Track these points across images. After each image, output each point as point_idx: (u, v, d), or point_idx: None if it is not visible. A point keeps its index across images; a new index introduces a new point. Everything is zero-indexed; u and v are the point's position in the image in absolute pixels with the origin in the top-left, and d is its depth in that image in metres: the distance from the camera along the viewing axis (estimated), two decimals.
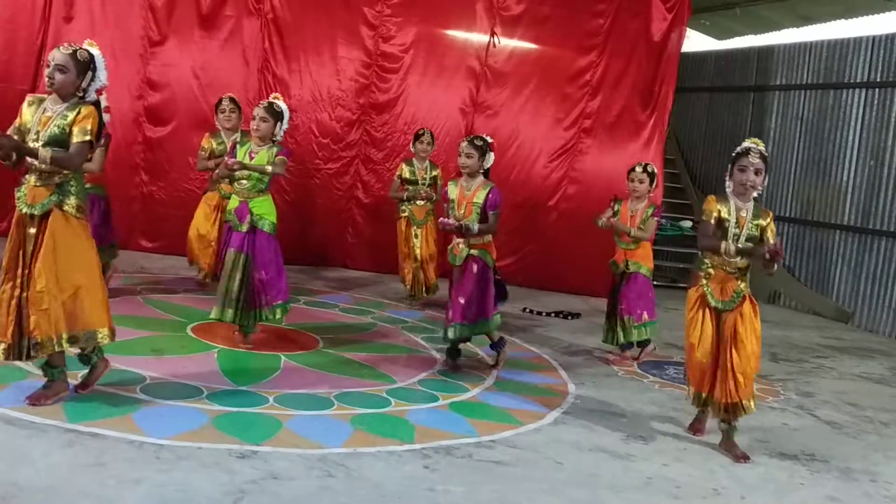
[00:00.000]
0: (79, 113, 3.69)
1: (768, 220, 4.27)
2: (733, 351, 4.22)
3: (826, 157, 9.77)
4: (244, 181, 5.12)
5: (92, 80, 3.82)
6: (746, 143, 4.30)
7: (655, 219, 5.93)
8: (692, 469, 4.06)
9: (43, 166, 3.65)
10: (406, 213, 7.12)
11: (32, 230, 3.72)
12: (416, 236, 7.07)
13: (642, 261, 5.98)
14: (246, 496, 3.17)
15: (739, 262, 4.23)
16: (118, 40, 8.08)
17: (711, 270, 4.29)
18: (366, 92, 8.65)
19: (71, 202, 3.74)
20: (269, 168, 5.08)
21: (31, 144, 3.66)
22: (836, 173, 9.63)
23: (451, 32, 8.82)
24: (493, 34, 8.81)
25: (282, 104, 5.22)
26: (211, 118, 8.34)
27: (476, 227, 5.08)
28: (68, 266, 3.72)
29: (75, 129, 3.68)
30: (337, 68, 8.55)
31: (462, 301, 5.13)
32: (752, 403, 4.30)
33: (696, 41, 11.83)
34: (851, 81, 9.49)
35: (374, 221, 8.80)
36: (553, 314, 7.73)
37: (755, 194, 4.27)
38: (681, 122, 11.00)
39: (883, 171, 9.05)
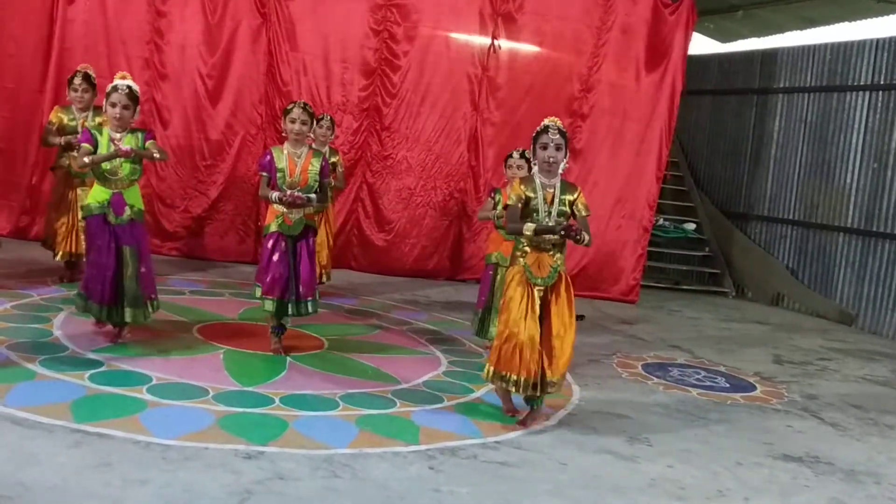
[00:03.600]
0: None
1: (576, 194, 4.31)
2: (552, 330, 4.23)
3: (830, 159, 9.77)
4: (119, 171, 4.81)
5: None
6: (545, 122, 4.29)
7: None
8: (696, 471, 4.07)
9: None
10: None
11: None
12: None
13: None
14: (252, 496, 3.18)
15: (551, 238, 4.21)
16: (125, 44, 8.13)
17: (527, 249, 4.27)
18: (369, 97, 8.67)
19: None
20: (157, 154, 4.85)
21: None
22: (839, 176, 9.63)
23: (454, 38, 8.82)
24: (494, 38, 8.82)
25: (137, 87, 4.88)
26: (219, 123, 8.41)
27: (315, 198, 5.03)
28: None
29: None
30: (341, 73, 8.56)
31: (307, 279, 5.09)
32: (560, 382, 4.28)
33: (699, 44, 11.85)
34: (855, 84, 9.49)
35: (378, 222, 8.89)
36: None
37: (560, 170, 4.29)
38: (684, 125, 11.01)
39: (886, 173, 9.05)
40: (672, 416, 4.99)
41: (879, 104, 9.20)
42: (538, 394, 4.28)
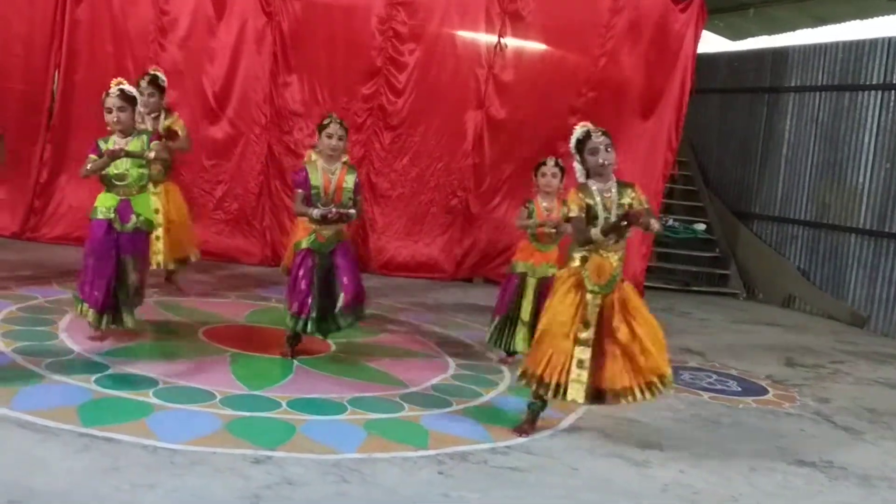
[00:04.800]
0: None
1: (634, 193, 4.15)
2: (634, 327, 4.15)
3: (841, 159, 9.69)
4: (126, 177, 4.72)
5: None
6: (581, 129, 4.16)
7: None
8: (709, 475, 4.02)
9: None
10: None
11: None
12: None
13: (555, 262, 5.51)
14: (260, 501, 3.16)
15: (613, 242, 4.10)
16: (131, 44, 8.15)
17: (587, 254, 4.13)
18: (374, 96, 8.64)
19: None
20: (152, 154, 4.73)
21: None
22: (851, 176, 9.55)
23: (460, 36, 8.79)
24: (500, 36, 8.77)
25: (131, 88, 4.81)
26: (224, 122, 8.40)
27: (353, 213, 4.98)
28: None
29: None
30: (345, 73, 8.54)
31: (353, 290, 4.98)
32: (670, 372, 4.22)
33: (709, 42, 11.77)
34: (867, 83, 9.41)
35: (382, 222, 8.88)
36: None
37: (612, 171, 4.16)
38: (694, 125, 10.91)
39: None
40: (684, 420, 4.94)
41: (892, 103, 9.11)
42: (552, 400, 4.21)
